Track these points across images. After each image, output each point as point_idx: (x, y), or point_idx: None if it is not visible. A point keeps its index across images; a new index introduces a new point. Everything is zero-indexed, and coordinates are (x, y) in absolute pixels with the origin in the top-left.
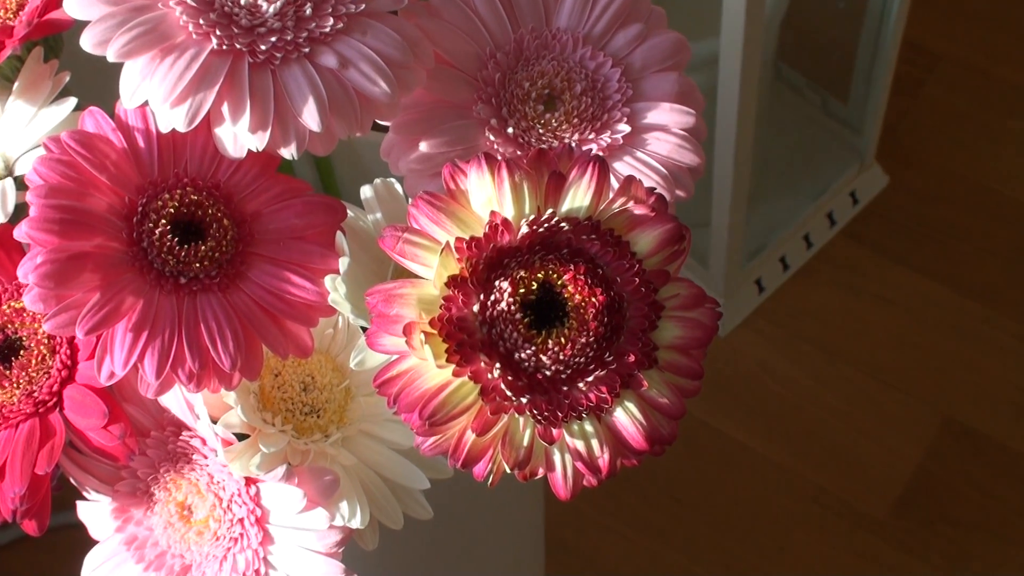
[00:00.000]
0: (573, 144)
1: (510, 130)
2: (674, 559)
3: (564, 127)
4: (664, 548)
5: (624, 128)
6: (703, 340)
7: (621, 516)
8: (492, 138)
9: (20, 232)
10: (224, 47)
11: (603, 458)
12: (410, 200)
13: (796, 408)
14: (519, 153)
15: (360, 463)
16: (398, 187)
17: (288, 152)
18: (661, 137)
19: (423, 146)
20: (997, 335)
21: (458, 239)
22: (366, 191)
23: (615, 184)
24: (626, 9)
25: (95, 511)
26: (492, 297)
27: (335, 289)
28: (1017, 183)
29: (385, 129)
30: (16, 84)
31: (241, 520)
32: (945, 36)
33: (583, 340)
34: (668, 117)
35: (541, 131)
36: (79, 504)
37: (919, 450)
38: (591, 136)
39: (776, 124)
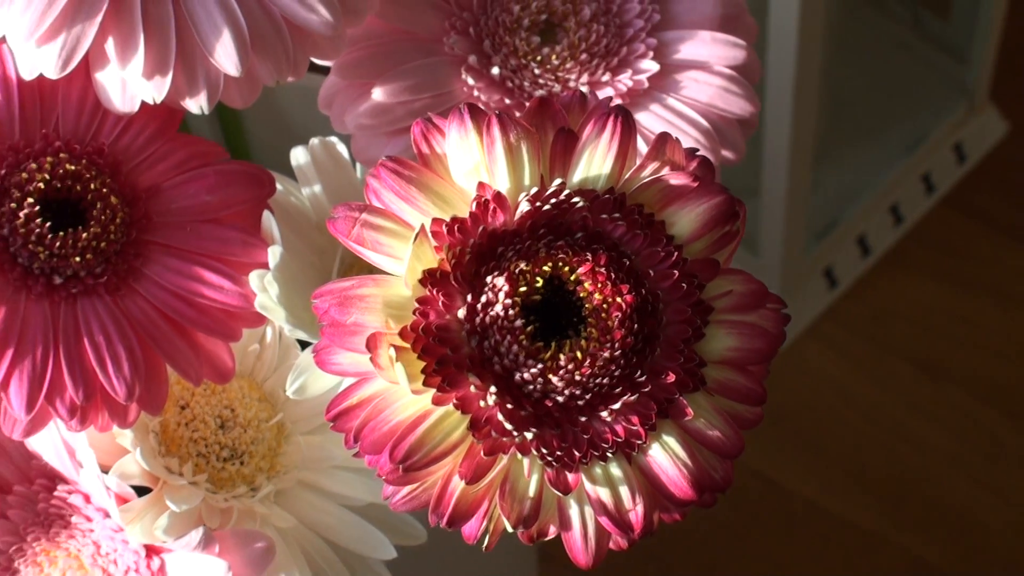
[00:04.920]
0: (585, 90)
1: (495, 70)
2: None
3: (568, 65)
4: None
5: (650, 66)
6: (765, 352)
7: None
8: (471, 81)
9: None
10: None
11: (635, 511)
12: (359, 167)
13: (886, 450)
14: (508, 102)
15: (301, 525)
16: (341, 149)
17: (196, 105)
18: (700, 78)
19: (377, 93)
20: None
21: (435, 221)
22: (299, 155)
23: (643, 145)
24: None
25: None
26: (483, 298)
27: (264, 289)
28: None
29: (325, 71)
30: None
31: None
32: None
33: (606, 354)
34: (709, 50)
35: (537, 71)
36: None
37: None
38: (605, 77)
39: (853, 51)
